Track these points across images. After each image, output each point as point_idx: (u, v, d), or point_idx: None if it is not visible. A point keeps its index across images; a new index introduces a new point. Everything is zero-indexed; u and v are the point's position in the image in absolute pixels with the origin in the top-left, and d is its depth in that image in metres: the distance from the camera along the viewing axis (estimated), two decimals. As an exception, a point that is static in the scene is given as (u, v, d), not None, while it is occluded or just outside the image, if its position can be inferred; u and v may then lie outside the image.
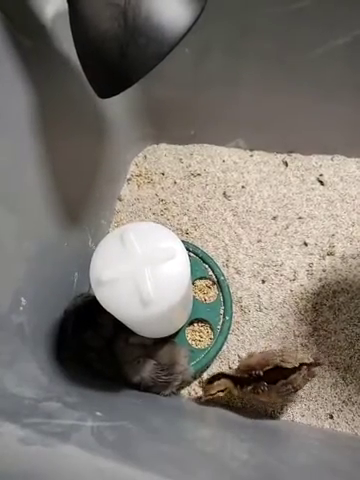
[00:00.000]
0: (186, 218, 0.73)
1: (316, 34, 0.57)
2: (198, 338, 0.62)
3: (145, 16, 0.35)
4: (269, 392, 0.52)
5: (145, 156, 0.81)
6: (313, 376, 0.54)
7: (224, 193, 0.74)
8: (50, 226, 0.55)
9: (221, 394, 0.55)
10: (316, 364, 0.54)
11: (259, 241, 0.70)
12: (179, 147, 0.80)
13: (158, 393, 0.55)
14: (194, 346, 0.61)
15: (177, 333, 0.61)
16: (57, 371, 0.52)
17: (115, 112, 0.68)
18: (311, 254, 0.68)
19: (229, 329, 0.62)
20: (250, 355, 0.57)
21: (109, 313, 0.44)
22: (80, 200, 0.64)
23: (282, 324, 0.64)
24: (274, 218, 0.71)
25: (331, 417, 0.57)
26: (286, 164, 0.76)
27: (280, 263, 0.67)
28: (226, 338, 0.62)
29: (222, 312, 0.63)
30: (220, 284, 0.65)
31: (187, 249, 0.56)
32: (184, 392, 0.61)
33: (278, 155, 0.77)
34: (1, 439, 0.32)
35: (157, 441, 0.41)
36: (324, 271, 0.66)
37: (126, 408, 0.50)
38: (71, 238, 0.60)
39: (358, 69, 0.60)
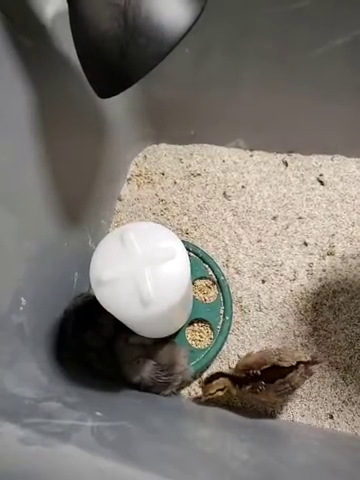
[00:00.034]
0: (186, 218, 0.73)
1: (316, 34, 0.57)
2: (198, 338, 0.62)
3: (145, 16, 0.35)
4: (267, 391, 0.52)
5: (145, 156, 0.81)
6: (310, 374, 0.54)
7: (224, 193, 0.74)
8: (50, 226, 0.55)
9: (220, 393, 0.55)
10: (313, 362, 0.54)
11: (259, 241, 0.70)
12: (179, 147, 0.80)
13: (158, 393, 0.55)
14: (194, 346, 0.61)
15: (177, 333, 0.61)
16: (57, 371, 0.52)
17: (115, 112, 0.68)
18: (311, 254, 0.68)
19: (229, 329, 0.62)
20: (248, 355, 0.57)
21: (109, 313, 0.44)
22: (80, 200, 0.64)
23: (282, 324, 0.64)
24: (274, 218, 0.71)
25: (331, 417, 0.57)
26: (286, 164, 0.76)
27: (280, 263, 0.67)
28: (226, 338, 0.62)
29: (222, 312, 0.63)
30: (220, 284, 0.65)
31: (187, 249, 0.56)
32: (184, 392, 0.61)
33: (278, 155, 0.77)
34: (1, 439, 0.32)
35: (157, 441, 0.41)
36: (324, 271, 0.66)
37: (126, 408, 0.50)
38: (71, 238, 0.60)
39: (358, 69, 0.60)
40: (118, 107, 0.68)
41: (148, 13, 0.35)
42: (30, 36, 0.46)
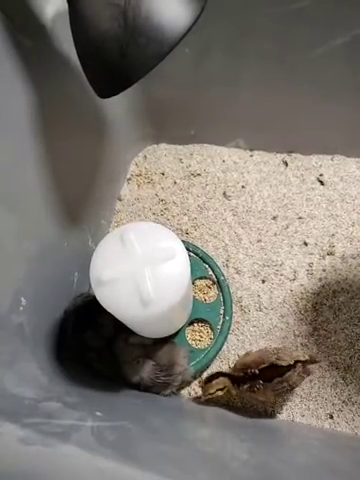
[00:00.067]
0: (186, 218, 0.73)
1: (316, 34, 0.57)
2: (198, 338, 0.62)
3: (145, 16, 0.35)
4: (265, 390, 0.52)
5: (145, 156, 0.81)
6: (308, 374, 0.54)
7: (224, 193, 0.74)
8: (50, 226, 0.55)
9: (220, 393, 0.55)
10: (311, 361, 0.54)
11: (259, 241, 0.70)
12: (179, 147, 0.80)
13: (158, 393, 0.55)
14: (194, 346, 0.61)
15: (177, 333, 0.61)
16: (57, 371, 0.52)
17: (115, 112, 0.68)
18: (311, 254, 0.68)
19: (229, 329, 0.62)
20: (247, 354, 0.57)
21: (109, 313, 0.44)
22: (80, 200, 0.64)
23: (282, 324, 0.64)
24: (274, 218, 0.71)
25: (331, 417, 0.57)
26: (286, 164, 0.76)
27: (280, 263, 0.67)
28: (226, 338, 0.62)
29: (222, 312, 0.63)
30: (220, 284, 0.65)
31: (187, 249, 0.56)
32: (184, 392, 0.61)
33: (278, 155, 0.77)
34: (1, 439, 0.32)
35: (157, 441, 0.41)
36: (324, 271, 0.66)
37: (126, 408, 0.50)
38: (71, 238, 0.60)
39: (358, 69, 0.60)
40: (118, 107, 0.68)
41: (148, 13, 0.35)
42: (30, 36, 0.46)
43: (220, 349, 0.61)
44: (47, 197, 0.53)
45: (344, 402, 0.58)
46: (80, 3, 0.37)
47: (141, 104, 0.72)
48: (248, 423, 0.55)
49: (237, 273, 0.68)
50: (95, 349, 0.56)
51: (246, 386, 0.52)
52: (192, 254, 0.67)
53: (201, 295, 0.65)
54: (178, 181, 0.77)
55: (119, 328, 0.53)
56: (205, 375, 0.61)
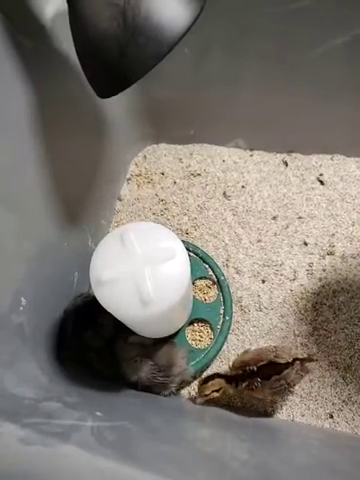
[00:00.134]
0: (186, 218, 0.73)
1: (316, 34, 0.57)
2: (198, 338, 0.62)
3: (144, 16, 0.35)
4: (263, 388, 0.52)
5: (145, 156, 0.81)
6: (307, 372, 0.54)
7: (224, 193, 0.74)
8: (50, 226, 0.55)
9: (216, 394, 0.54)
10: (309, 360, 0.55)
11: (259, 241, 0.70)
12: (179, 147, 0.80)
13: (158, 393, 0.55)
14: (194, 346, 0.61)
15: (177, 333, 0.61)
16: (57, 371, 0.52)
17: (115, 112, 0.68)
18: (311, 254, 0.68)
19: (229, 329, 0.62)
20: (245, 351, 0.57)
21: (109, 313, 0.44)
22: (80, 200, 0.64)
23: (282, 324, 0.64)
24: (274, 218, 0.71)
25: (331, 417, 0.57)
26: (286, 164, 0.76)
27: (280, 263, 0.67)
28: (226, 338, 0.62)
29: (222, 312, 0.63)
30: (220, 284, 0.65)
31: (187, 249, 0.56)
32: (184, 392, 0.61)
33: (278, 155, 0.77)
34: (1, 439, 0.32)
35: (157, 441, 0.41)
36: (324, 271, 0.66)
37: (126, 408, 0.50)
38: (71, 238, 0.60)
39: (358, 69, 0.60)
40: (118, 107, 0.68)
41: (147, 13, 0.35)
42: (30, 36, 0.46)
43: (220, 349, 0.61)
44: (47, 197, 0.53)
45: (344, 402, 0.58)
46: (80, 3, 0.37)
47: (141, 104, 0.72)
48: (248, 423, 0.55)
49: (237, 273, 0.68)
50: (95, 349, 0.56)
51: (244, 384, 0.52)
52: (192, 254, 0.67)
53: (201, 295, 0.65)
54: (178, 181, 0.77)
55: (119, 328, 0.53)
56: (205, 375, 0.61)
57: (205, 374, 0.61)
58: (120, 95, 0.40)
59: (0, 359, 0.44)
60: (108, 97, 0.41)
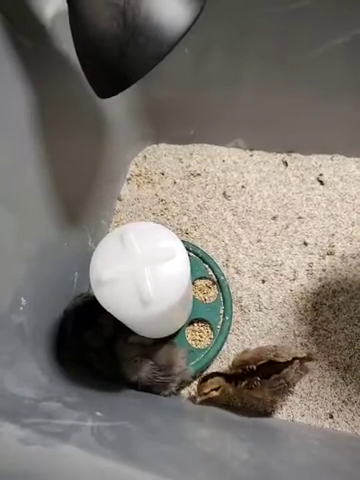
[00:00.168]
0: (186, 218, 0.73)
1: (316, 34, 0.57)
2: (198, 338, 0.62)
3: (144, 16, 0.35)
4: (262, 387, 0.52)
5: (145, 156, 0.81)
6: (306, 371, 0.55)
7: (224, 193, 0.74)
8: (50, 226, 0.55)
9: (215, 393, 0.54)
10: (309, 359, 0.55)
11: (259, 241, 0.70)
12: (179, 147, 0.80)
13: (158, 393, 0.55)
14: (194, 346, 0.61)
15: (177, 333, 0.61)
16: (57, 371, 0.52)
17: (115, 112, 0.68)
18: (311, 254, 0.68)
19: (229, 329, 0.62)
20: (245, 351, 0.57)
21: (109, 313, 0.44)
22: (80, 200, 0.64)
23: (282, 324, 0.64)
24: (274, 218, 0.71)
25: (331, 417, 0.57)
26: (286, 164, 0.76)
27: (280, 263, 0.67)
28: (226, 338, 0.62)
29: (222, 312, 0.63)
30: (220, 284, 0.65)
31: (187, 249, 0.56)
32: (184, 392, 0.61)
33: (278, 155, 0.77)
34: (1, 439, 0.32)
35: (157, 441, 0.41)
36: (324, 271, 0.66)
37: (126, 408, 0.50)
38: (71, 238, 0.60)
39: (358, 69, 0.60)
40: (118, 107, 0.68)
41: (147, 13, 0.35)
42: (30, 36, 0.46)
43: (220, 349, 0.61)
44: (47, 197, 0.53)
45: (344, 402, 0.58)
46: (80, 3, 0.37)
47: (141, 104, 0.72)
48: (248, 423, 0.55)
49: (237, 273, 0.68)
50: (95, 349, 0.56)
51: (244, 383, 0.53)
52: (192, 254, 0.67)
53: (201, 295, 0.65)
54: (178, 181, 0.77)
55: (119, 328, 0.53)
56: (204, 374, 0.61)
57: (205, 374, 0.61)
58: (120, 95, 0.40)
59: (0, 359, 0.44)
60: (108, 97, 0.41)
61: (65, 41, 0.49)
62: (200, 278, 0.66)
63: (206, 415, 0.56)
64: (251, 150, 0.78)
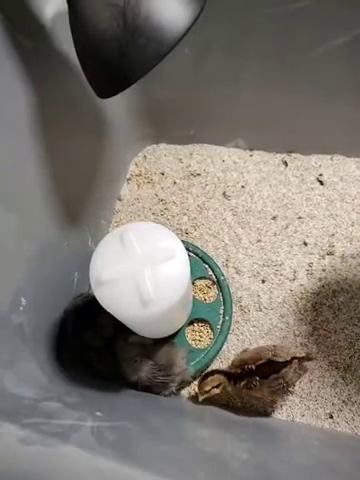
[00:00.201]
0: (186, 218, 0.73)
1: (316, 34, 0.57)
2: (198, 338, 0.62)
3: (144, 16, 0.35)
4: (261, 387, 0.52)
5: (145, 156, 0.81)
6: (305, 371, 0.55)
7: (224, 193, 0.74)
8: (50, 226, 0.55)
9: (216, 390, 0.55)
10: (308, 358, 0.55)
11: (259, 241, 0.70)
12: (179, 147, 0.80)
13: (158, 393, 0.55)
14: (194, 346, 0.61)
15: (177, 333, 0.61)
16: (57, 371, 0.52)
17: (115, 112, 0.68)
18: (311, 254, 0.68)
19: (229, 329, 0.62)
20: (244, 350, 0.57)
21: (109, 313, 0.44)
22: (80, 200, 0.64)
23: (282, 324, 0.64)
24: (274, 218, 0.71)
25: (331, 417, 0.57)
26: (286, 164, 0.76)
27: (280, 263, 0.67)
28: (226, 338, 0.62)
29: (222, 312, 0.63)
30: (220, 284, 0.65)
31: (187, 249, 0.56)
32: (184, 392, 0.61)
33: (278, 155, 0.77)
34: (1, 439, 0.32)
35: (157, 441, 0.41)
36: (324, 271, 0.66)
37: (126, 408, 0.50)
38: (71, 238, 0.60)
39: (358, 69, 0.60)
40: (118, 107, 0.68)
41: (147, 13, 0.35)
42: (30, 36, 0.46)
43: (220, 349, 0.61)
44: (47, 197, 0.53)
45: (344, 402, 0.58)
46: (80, 3, 0.37)
47: (141, 104, 0.72)
48: (248, 423, 0.55)
49: (237, 273, 0.68)
50: (95, 349, 0.56)
51: (243, 383, 0.53)
52: (192, 254, 0.67)
53: (201, 295, 0.65)
54: (178, 181, 0.77)
55: (119, 328, 0.53)
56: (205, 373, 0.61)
57: (205, 372, 0.61)
58: (120, 95, 0.40)
59: (0, 359, 0.44)
60: (108, 97, 0.41)
61: (65, 41, 0.49)
62: (200, 278, 0.66)
63: (206, 415, 0.56)
64: (251, 150, 0.78)
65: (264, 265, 0.68)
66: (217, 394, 0.55)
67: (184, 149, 0.80)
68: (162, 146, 0.81)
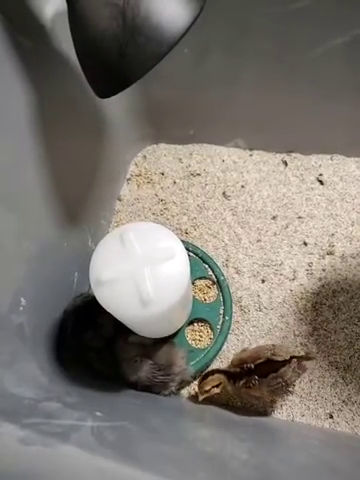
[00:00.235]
0: (186, 218, 0.73)
1: (316, 34, 0.57)
2: (198, 338, 0.62)
3: (144, 16, 0.35)
4: (260, 386, 0.52)
5: (145, 156, 0.81)
6: (304, 370, 0.55)
7: (223, 193, 0.74)
8: (50, 226, 0.55)
9: (216, 390, 0.55)
10: (307, 358, 0.55)
11: (259, 241, 0.70)
12: (178, 147, 0.80)
13: (158, 393, 0.55)
14: (194, 346, 0.61)
15: (177, 333, 0.61)
16: (57, 371, 0.52)
17: (115, 112, 0.68)
18: (311, 254, 0.68)
19: (229, 329, 0.62)
20: (243, 350, 0.58)
21: (109, 313, 0.44)
22: (80, 200, 0.64)
23: (282, 324, 0.64)
24: (274, 218, 0.71)
25: (331, 417, 0.57)
26: (286, 164, 0.76)
27: (280, 263, 0.67)
28: (226, 338, 0.62)
29: (222, 312, 0.63)
30: (220, 284, 0.65)
31: (187, 249, 0.56)
32: (184, 392, 0.61)
33: (277, 155, 0.77)
34: (1, 439, 0.32)
35: (157, 441, 0.41)
36: (324, 270, 0.66)
37: (126, 408, 0.50)
38: (71, 238, 0.60)
39: (358, 69, 0.60)
40: (117, 107, 0.68)
41: (147, 13, 0.35)
42: (30, 36, 0.46)
43: (220, 349, 0.61)
44: (47, 197, 0.53)
45: (344, 402, 0.58)
46: (79, 3, 0.37)
47: (140, 104, 0.72)
48: (248, 423, 0.55)
49: (237, 273, 0.68)
50: (95, 349, 0.56)
51: (242, 382, 0.53)
52: (192, 254, 0.67)
53: (201, 295, 0.65)
54: (178, 181, 0.77)
55: (119, 328, 0.53)
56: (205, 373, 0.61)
57: (205, 372, 0.61)
58: (120, 95, 0.40)
59: (0, 359, 0.44)
60: (108, 97, 0.41)
61: (65, 41, 0.49)
62: (200, 278, 0.66)
63: (206, 415, 0.56)
64: (251, 150, 0.78)
65: (264, 265, 0.68)
66: (217, 394, 0.55)
67: (184, 149, 0.80)
68: (162, 146, 0.81)
